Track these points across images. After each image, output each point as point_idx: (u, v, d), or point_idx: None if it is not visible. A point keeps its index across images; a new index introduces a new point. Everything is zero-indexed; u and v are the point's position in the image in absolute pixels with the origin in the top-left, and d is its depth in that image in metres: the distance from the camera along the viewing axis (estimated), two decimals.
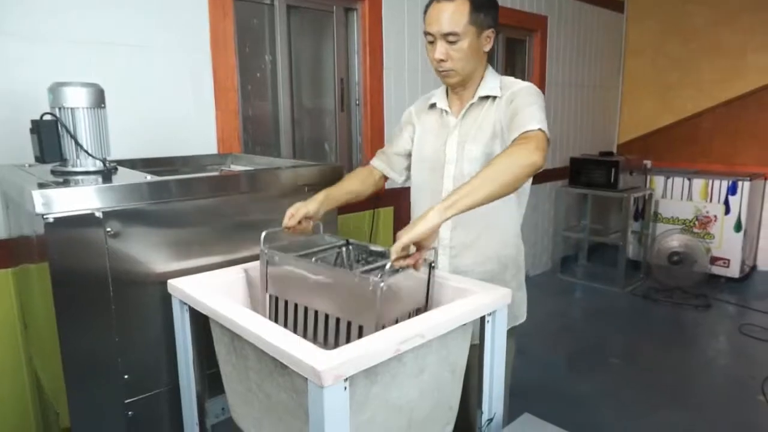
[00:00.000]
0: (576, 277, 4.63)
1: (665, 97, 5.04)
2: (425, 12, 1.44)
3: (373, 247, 1.47)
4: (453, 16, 1.37)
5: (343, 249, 1.50)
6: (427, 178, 1.59)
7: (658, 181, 4.61)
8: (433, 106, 1.60)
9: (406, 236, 1.13)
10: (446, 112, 1.56)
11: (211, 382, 1.46)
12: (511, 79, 1.52)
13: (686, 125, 4.94)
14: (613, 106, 5.31)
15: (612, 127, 5.36)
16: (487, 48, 1.47)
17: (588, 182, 4.41)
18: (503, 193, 1.21)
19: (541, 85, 4.26)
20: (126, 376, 1.39)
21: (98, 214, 1.30)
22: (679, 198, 4.52)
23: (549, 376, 2.88)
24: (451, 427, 1.32)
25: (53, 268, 1.25)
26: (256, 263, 1.46)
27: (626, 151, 4.97)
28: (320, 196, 1.52)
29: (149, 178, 1.42)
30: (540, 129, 1.28)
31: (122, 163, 1.79)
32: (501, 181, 1.18)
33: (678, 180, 4.51)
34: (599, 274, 4.58)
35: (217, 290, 1.33)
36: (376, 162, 1.74)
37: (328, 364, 0.89)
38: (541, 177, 4.59)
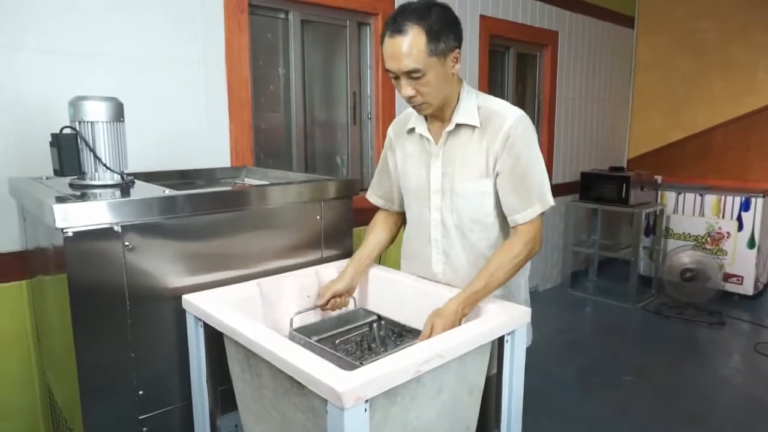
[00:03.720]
0: (587, 293, 4.59)
1: (676, 112, 5.02)
2: (381, 45, 1.32)
3: (406, 324, 1.45)
4: (410, 51, 1.24)
5: (375, 326, 1.51)
6: (414, 208, 1.55)
7: (670, 197, 4.58)
8: (411, 130, 1.50)
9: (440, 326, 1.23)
10: (427, 140, 1.46)
11: (224, 398, 1.45)
12: (492, 103, 1.41)
13: (697, 141, 4.92)
14: (624, 121, 5.30)
15: (622, 141, 5.35)
16: (456, 68, 1.35)
17: (598, 197, 4.39)
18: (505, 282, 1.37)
19: (551, 100, 4.27)
20: (141, 392, 1.38)
21: (117, 228, 1.30)
22: (691, 214, 4.49)
23: (560, 393, 2.85)
24: None
25: (71, 281, 1.25)
26: (271, 278, 1.46)
27: (636, 166, 4.95)
28: (349, 271, 1.54)
29: (167, 192, 1.43)
30: (540, 214, 1.38)
31: (137, 175, 1.79)
32: (504, 278, 1.35)
33: (690, 196, 4.48)
34: (610, 290, 4.54)
35: (232, 305, 1.32)
36: (373, 198, 1.70)
37: (349, 385, 0.88)
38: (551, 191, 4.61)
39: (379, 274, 1.63)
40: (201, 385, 1.39)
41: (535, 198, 1.36)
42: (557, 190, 4.53)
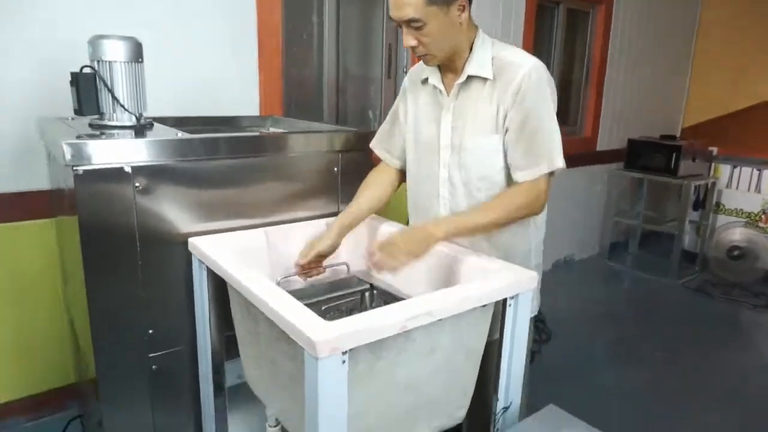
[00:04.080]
0: (625, 265, 4.44)
1: (740, 79, 4.66)
2: None
3: (398, 293, 1.42)
4: (408, 0, 1.20)
5: (366, 294, 1.46)
6: (424, 163, 1.46)
7: (724, 170, 4.31)
8: (425, 81, 1.43)
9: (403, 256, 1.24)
10: (440, 91, 1.39)
11: (231, 344, 1.47)
12: (508, 53, 1.32)
13: (761, 111, 4.57)
14: (681, 88, 4.98)
15: (677, 109, 5.03)
16: (464, 17, 1.27)
17: (645, 166, 4.18)
18: (495, 229, 1.35)
19: (602, 62, 4.03)
20: (150, 331, 1.42)
21: (127, 169, 1.31)
22: (746, 189, 4.22)
23: (589, 365, 2.78)
24: (463, 411, 1.28)
25: (82, 221, 1.28)
26: (278, 227, 1.45)
27: (691, 136, 4.67)
28: (335, 229, 1.45)
29: (180, 134, 1.43)
30: (550, 173, 1.29)
31: (164, 120, 1.80)
32: (497, 220, 1.30)
33: (746, 170, 4.21)
34: (650, 264, 4.37)
35: (236, 252, 1.33)
36: (377, 149, 1.61)
37: (324, 336, 0.87)
38: (594, 158, 4.42)
39: (375, 226, 1.60)
40: (205, 328, 1.41)
41: (542, 157, 1.28)
42: (601, 157, 4.39)
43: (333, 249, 1.44)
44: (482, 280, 1.16)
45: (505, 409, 1.28)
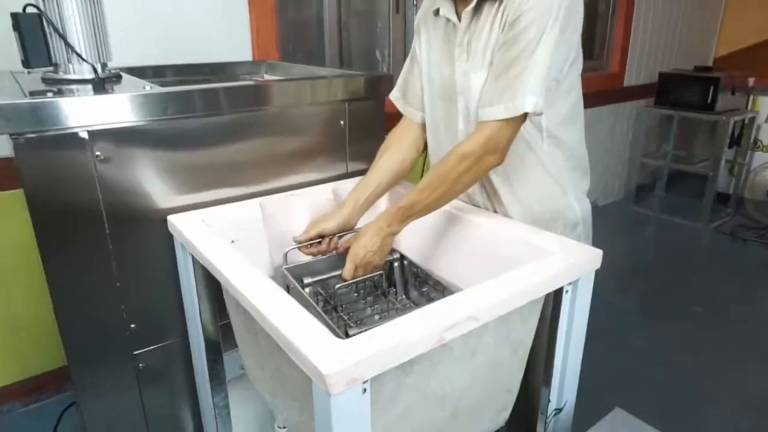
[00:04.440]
0: (652, 209, 4.16)
1: None
2: None
3: (429, 272, 1.18)
4: None
5: (396, 265, 1.22)
6: (441, 115, 1.19)
7: (763, 103, 3.95)
8: (437, 12, 1.15)
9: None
10: (453, 24, 1.11)
11: (228, 332, 1.25)
12: None
13: None
14: (714, 13, 4.53)
15: (710, 37, 4.60)
16: None
17: (677, 102, 3.82)
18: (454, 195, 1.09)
19: None
20: (132, 326, 1.21)
21: (83, 134, 1.06)
22: None
23: (618, 322, 2.58)
24: (507, 412, 1.07)
25: (30, 198, 1.04)
26: (276, 196, 1.21)
27: (723, 66, 4.27)
28: (347, 207, 1.19)
29: (149, 88, 1.16)
30: (507, 121, 0.99)
31: (137, 71, 1.53)
32: (446, 189, 1.05)
33: None
34: (679, 207, 4.09)
35: (226, 229, 1.09)
36: (399, 103, 1.31)
37: (338, 365, 0.63)
38: (620, 96, 4.07)
39: (402, 193, 1.34)
40: (195, 318, 1.20)
41: (510, 94, 0.98)
42: (627, 94, 4.04)
43: (341, 229, 1.18)
44: (536, 265, 0.91)
45: (558, 410, 1.06)
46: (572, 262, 0.92)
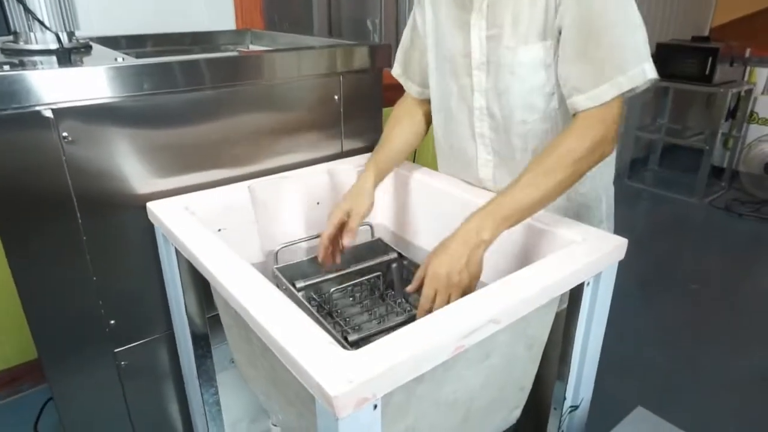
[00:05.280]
0: (645, 183, 4.12)
1: None
2: None
3: None
4: None
5: (394, 266, 1.10)
6: (451, 90, 1.07)
7: (760, 74, 3.87)
8: None
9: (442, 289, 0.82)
10: None
11: (217, 324, 1.17)
12: None
13: None
14: None
15: (707, 5, 4.49)
16: None
17: (674, 74, 3.73)
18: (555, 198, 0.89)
19: None
20: (112, 322, 1.11)
21: (47, 113, 0.94)
22: None
23: (613, 302, 2.52)
24: (519, 410, 1.00)
25: None
26: (266, 179, 1.11)
27: (720, 36, 4.17)
28: (369, 179, 1.05)
29: (122, 60, 1.04)
30: (619, 97, 0.87)
31: (111, 41, 1.41)
32: (552, 188, 0.86)
33: None
34: (673, 181, 4.05)
35: (212, 217, 0.99)
36: (402, 78, 1.20)
37: (347, 385, 0.54)
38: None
39: (405, 176, 1.25)
40: (180, 312, 1.10)
41: (613, 67, 0.85)
42: None
43: (372, 206, 1.06)
44: (558, 258, 0.82)
45: (574, 407, 0.99)
46: (598, 254, 0.84)
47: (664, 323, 2.37)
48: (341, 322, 1.04)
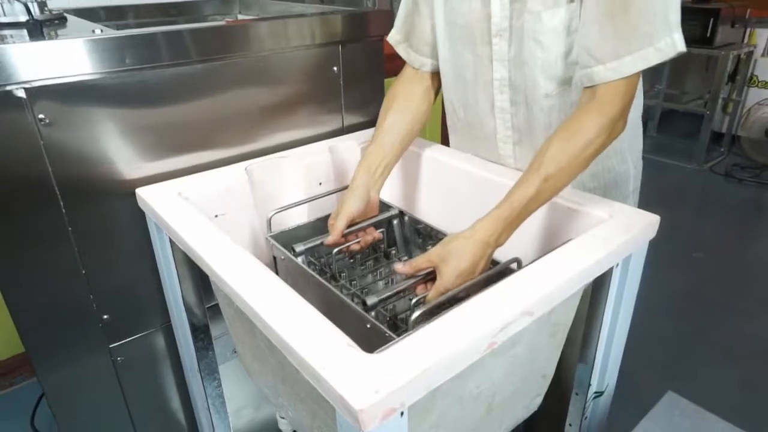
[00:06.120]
0: (644, 151, 4.04)
1: None
2: None
3: (434, 226, 1.00)
4: None
5: (395, 222, 1.03)
6: (466, 60, 0.98)
7: (760, 36, 3.79)
8: None
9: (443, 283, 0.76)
10: None
11: (218, 314, 1.10)
12: None
13: None
14: None
15: None
16: None
17: None
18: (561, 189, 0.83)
19: None
20: (105, 317, 1.04)
21: (19, 92, 0.85)
22: None
23: None
24: (541, 398, 0.95)
25: None
26: (264, 159, 1.03)
27: None
28: (361, 180, 0.96)
29: (100, 32, 0.94)
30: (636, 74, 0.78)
31: (88, 13, 1.31)
32: (568, 179, 0.80)
33: None
34: (671, 147, 4.00)
35: (207, 203, 0.91)
36: (400, 47, 1.09)
37: (373, 396, 0.48)
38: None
39: (417, 152, 1.17)
40: (178, 304, 1.03)
41: (641, 37, 0.76)
42: None
43: (367, 206, 0.97)
44: (589, 238, 0.76)
45: (599, 394, 0.94)
46: (629, 234, 0.77)
47: (664, 292, 2.33)
48: (348, 285, 0.97)
